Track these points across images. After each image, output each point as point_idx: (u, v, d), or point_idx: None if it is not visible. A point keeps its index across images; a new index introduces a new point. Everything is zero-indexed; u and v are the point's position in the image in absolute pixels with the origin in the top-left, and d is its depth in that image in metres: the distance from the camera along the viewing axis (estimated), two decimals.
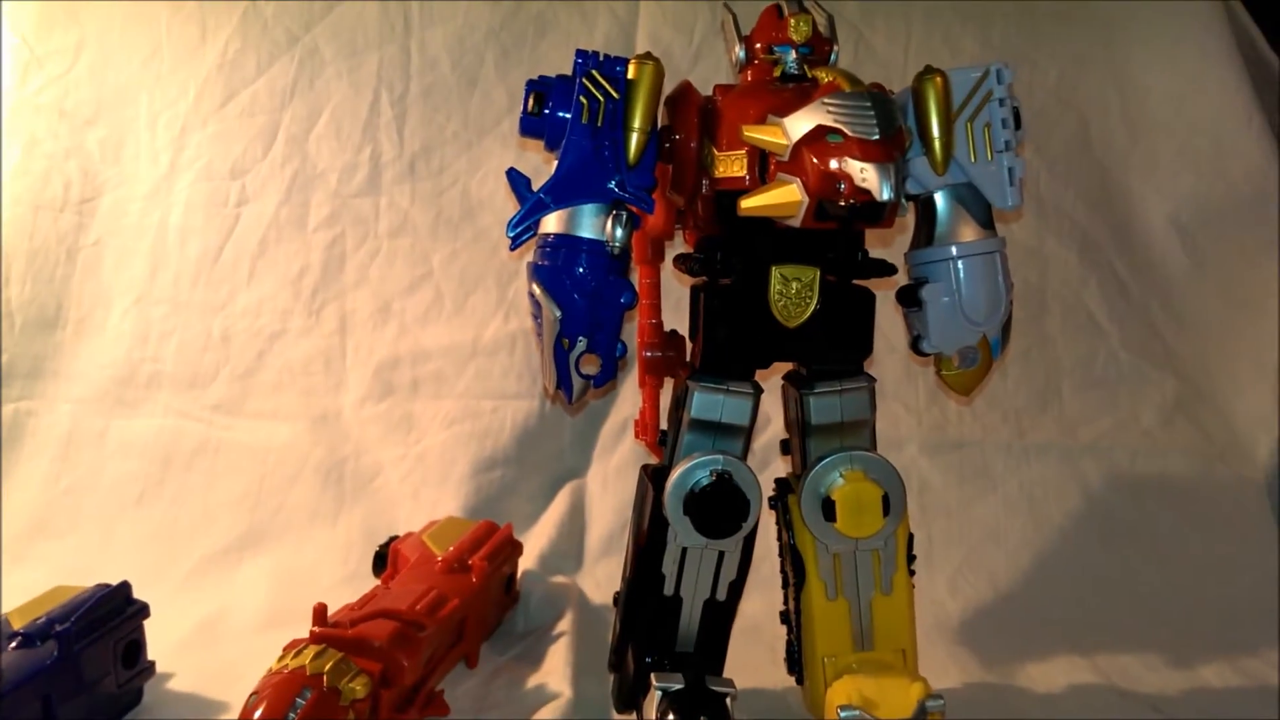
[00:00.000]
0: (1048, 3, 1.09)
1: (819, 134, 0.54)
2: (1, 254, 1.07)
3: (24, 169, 1.07)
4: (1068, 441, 1.02)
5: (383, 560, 0.86)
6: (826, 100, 0.54)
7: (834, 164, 0.53)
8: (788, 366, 0.68)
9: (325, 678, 0.60)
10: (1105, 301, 1.06)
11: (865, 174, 0.52)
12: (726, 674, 0.66)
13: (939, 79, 0.62)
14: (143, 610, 0.72)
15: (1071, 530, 0.97)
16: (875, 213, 0.54)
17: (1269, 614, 0.86)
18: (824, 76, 0.57)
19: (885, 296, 0.66)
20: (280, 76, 1.07)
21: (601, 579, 0.92)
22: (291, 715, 0.58)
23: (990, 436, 1.02)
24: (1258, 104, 1.06)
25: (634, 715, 0.67)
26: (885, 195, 0.52)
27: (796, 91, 0.58)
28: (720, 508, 0.61)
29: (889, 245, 0.71)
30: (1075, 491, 0.99)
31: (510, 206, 0.63)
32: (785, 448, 0.71)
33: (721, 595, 0.65)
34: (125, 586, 0.72)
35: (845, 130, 0.53)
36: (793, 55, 0.61)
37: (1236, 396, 1.04)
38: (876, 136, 0.53)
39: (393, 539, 0.87)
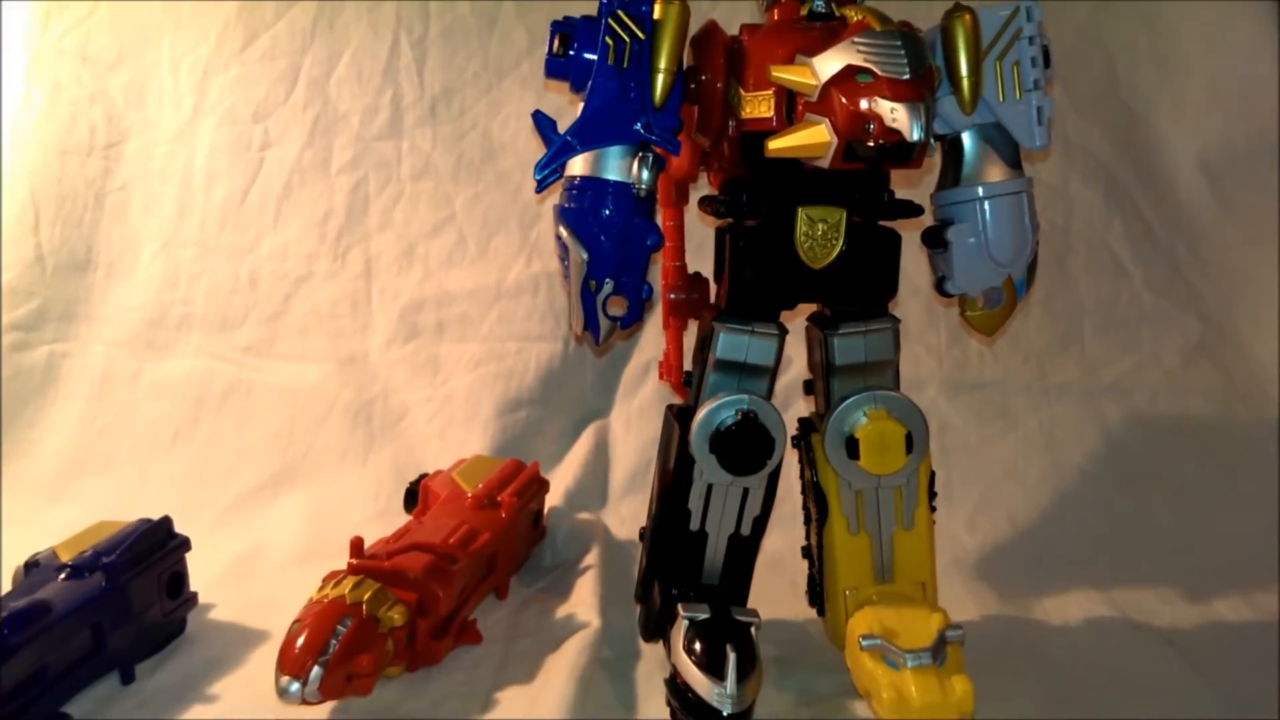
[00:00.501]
0: None
1: (849, 74, 0.53)
2: (31, 199, 1.08)
3: (49, 114, 1.09)
4: (1088, 382, 1.03)
5: (414, 496, 0.88)
6: (856, 39, 0.54)
7: (864, 104, 0.53)
8: (812, 308, 0.69)
9: (365, 606, 0.62)
10: (1130, 243, 1.06)
11: (895, 114, 0.52)
12: (750, 606, 0.67)
13: (968, 17, 0.61)
14: (184, 544, 0.75)
15: (1090, 469, 0.97)
16: (905, 153, 0.54)
17: None
18: (853, 15, 0.57)
19: (908, 238, 0.66)
20: (300, 19, 1.07)
21: (625, 515, 0.94)
22: (333, 642, 0.60)
23: (1011, 377, 1.03)
24: None
25: (660, 644, 0.69)
26: (916, 135, 0.52)
27: (824, 31, 0.57)
28: (746, 446, 0.62)
29: (915, 186, 0.71)
30: (1094, 431, 1.00)
31: (533, 149, 0.64)
32: (808, 388, 0.72)
33: (746, 530, 0.66)
34: (167, 521, 0.74)
35: (875, 70, 0.53)
36: None
37: (1257, 338, 1.04)
38: (907, 76, 0.53)
39: (423, 476, 0.90)
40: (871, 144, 0.53)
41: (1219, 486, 0.95)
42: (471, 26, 1.07)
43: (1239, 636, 0.77)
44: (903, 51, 0.53)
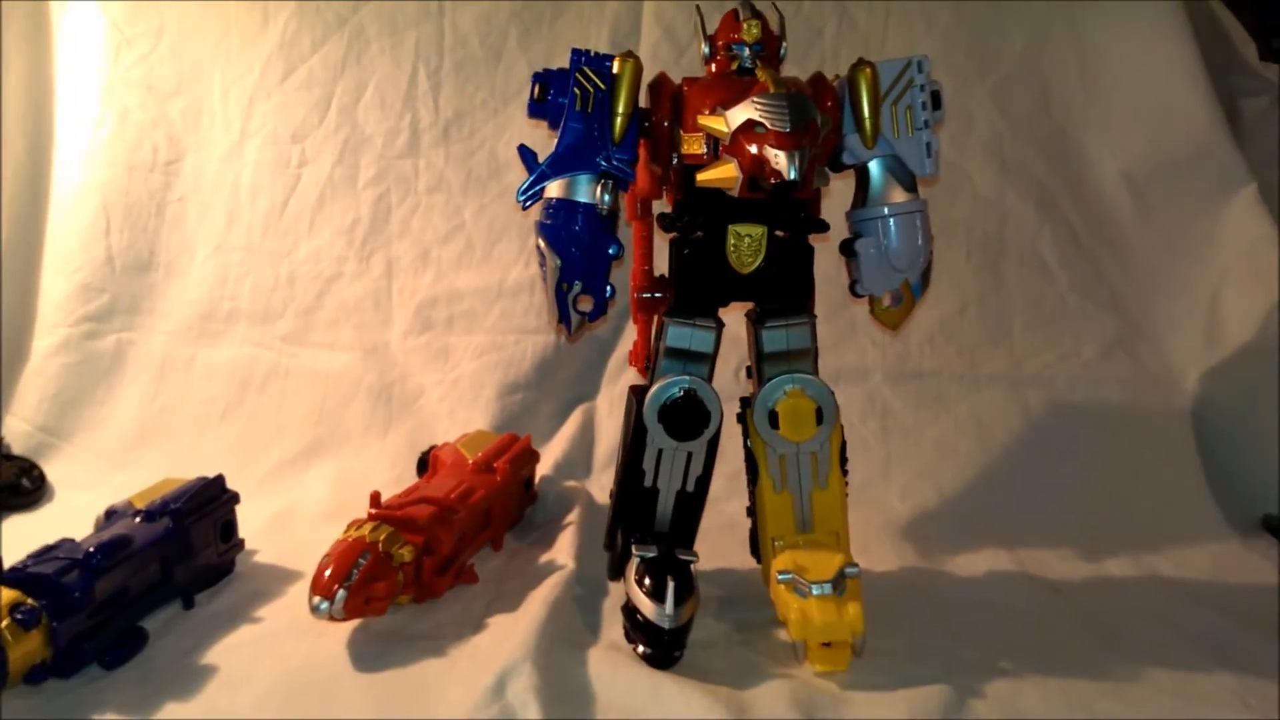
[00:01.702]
0: None
1: (749, 125, 0.67)
2: (103, 208, 1.23)
3: (119, 136, 1.23)
4: (1014, 373, 1.13)
5: (424, 463, 1.01)
6: (755, 99, 0.67)
7: (755, 149, 0.66)
8: (748, 305, 0.81)
9: (381, 544, 0.74)
10: (1058, 249, 1.16)
11: (778, 159, 0.65)
12: (705, 559, 0.79)
13: (869, 69, 0.75)
14: (234, 497, 0.88)
15: (1013, 448, 1.08)
16: (790, 187, 0.67)
17: (1180, 521, 0.99)
18: (761, 76, 0.70)
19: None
20: (332, 53, 1.21)
21: (606, 484, 1.04)
22: (355, 571, 0.72)
23: (946, 368, 1.14)
24: (1203, 68, 1.14)
25: (622, 582, 0.83)
26: (792, 175, 0.65)
27: (741, 87, 0.70)
28: (687, 417, 0.75)
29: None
30: (1018, 415, 1.10)
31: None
32: (749, 372, 0.85)
33: (690, 487, 0.79)
34: (220, 478, 0.88)
35: (767, 124, 0.66)
36: (746, 52, 0.73)
37: (1171, 334, 1.13)
38: (788, 129, 0.66)
39: (432, 447, 1.03)
40: (766, 180, 0.67)
41: (1125, 464, 1.05)
42: (480, 59, 1.20)
43: (1117, 587, 0.87)
44: (787, 109, 0.66)
